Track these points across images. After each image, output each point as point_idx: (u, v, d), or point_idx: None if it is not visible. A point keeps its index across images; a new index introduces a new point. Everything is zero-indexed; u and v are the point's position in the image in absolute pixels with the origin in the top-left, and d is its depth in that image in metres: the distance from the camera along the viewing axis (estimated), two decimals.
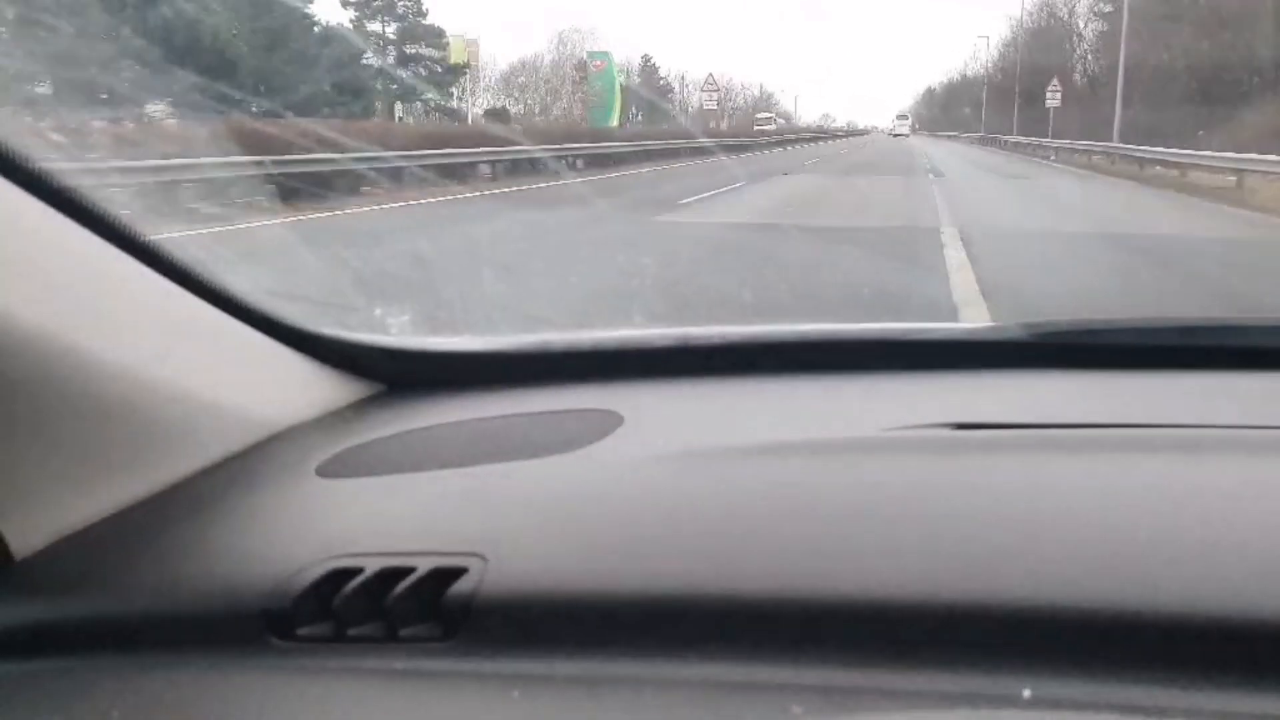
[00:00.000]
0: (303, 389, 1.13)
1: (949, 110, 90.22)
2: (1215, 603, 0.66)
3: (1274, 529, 0.75)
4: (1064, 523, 0.77)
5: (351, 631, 0.77)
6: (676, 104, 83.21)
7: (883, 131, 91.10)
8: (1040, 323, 1.20)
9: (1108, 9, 46.30)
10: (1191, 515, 0.78)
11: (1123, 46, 31.49)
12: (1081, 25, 52.64)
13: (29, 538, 0.85)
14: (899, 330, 1.27)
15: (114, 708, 0.71)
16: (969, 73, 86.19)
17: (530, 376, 1.21)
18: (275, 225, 10.02)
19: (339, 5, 43.67)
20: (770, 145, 42.44)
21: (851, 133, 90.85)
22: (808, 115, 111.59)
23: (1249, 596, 0.66)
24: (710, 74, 76.62)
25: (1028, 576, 0.71)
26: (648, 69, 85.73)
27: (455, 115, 46.60)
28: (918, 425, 0.98)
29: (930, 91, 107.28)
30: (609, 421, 1.04)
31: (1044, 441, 0.95)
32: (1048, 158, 34.40)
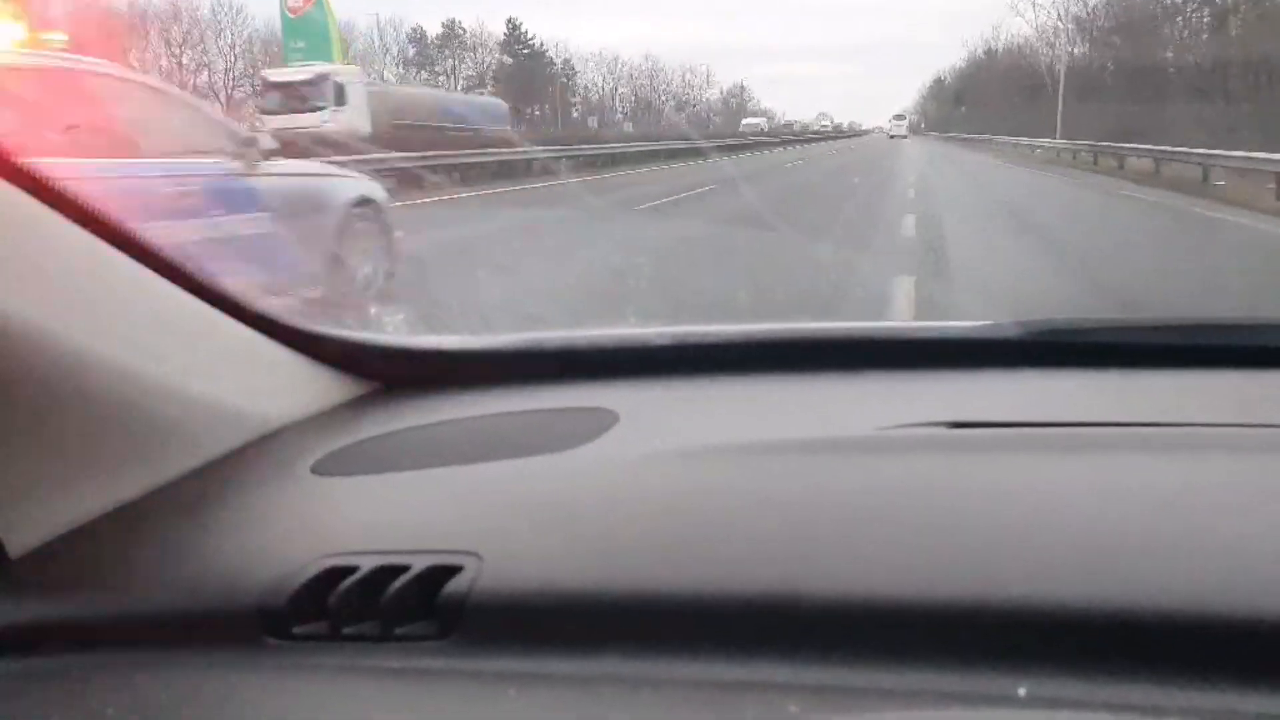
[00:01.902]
0: (298, 387, 1.13)
1: (966, 103, 68.76)
2: (1211, 601, 0.66)
3: (1269, 528, 0.75)
4: (1060, 521, 0.77)
5: (347, 630, 0.77)
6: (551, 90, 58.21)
7: (884, 132, 78.12)
8: (1036, 321, 1.20)
9: None
10: (1188, 514, 0.78)
11: None
12: None
13: (25, 536, 0.85)
14: (895, 329, 1.28)
15: (109, 706, 0.71)
16: (997, 44, 61.11)
17: (526, 375, 1.21)
18: None
19: None
20: None
21: (839, 135, 74.76)
22: (797, 112, 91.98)
23: (1245, 595, 0.66)
24: None
25: (1024, 575, 0.71)
26: (514, 38, 62.17)
27: None
28: (914, 424, 0.98)
29: (939, 83, 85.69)
30: (605, 420, 1.04)
31: (1040, 440, 0.95)
32: None
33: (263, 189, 4.53)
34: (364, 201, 5.40)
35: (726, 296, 6.26)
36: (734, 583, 0.74)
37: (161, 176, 4.00)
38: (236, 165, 4.47)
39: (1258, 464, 0.87)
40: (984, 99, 61.40)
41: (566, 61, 67.29)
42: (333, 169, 6.13)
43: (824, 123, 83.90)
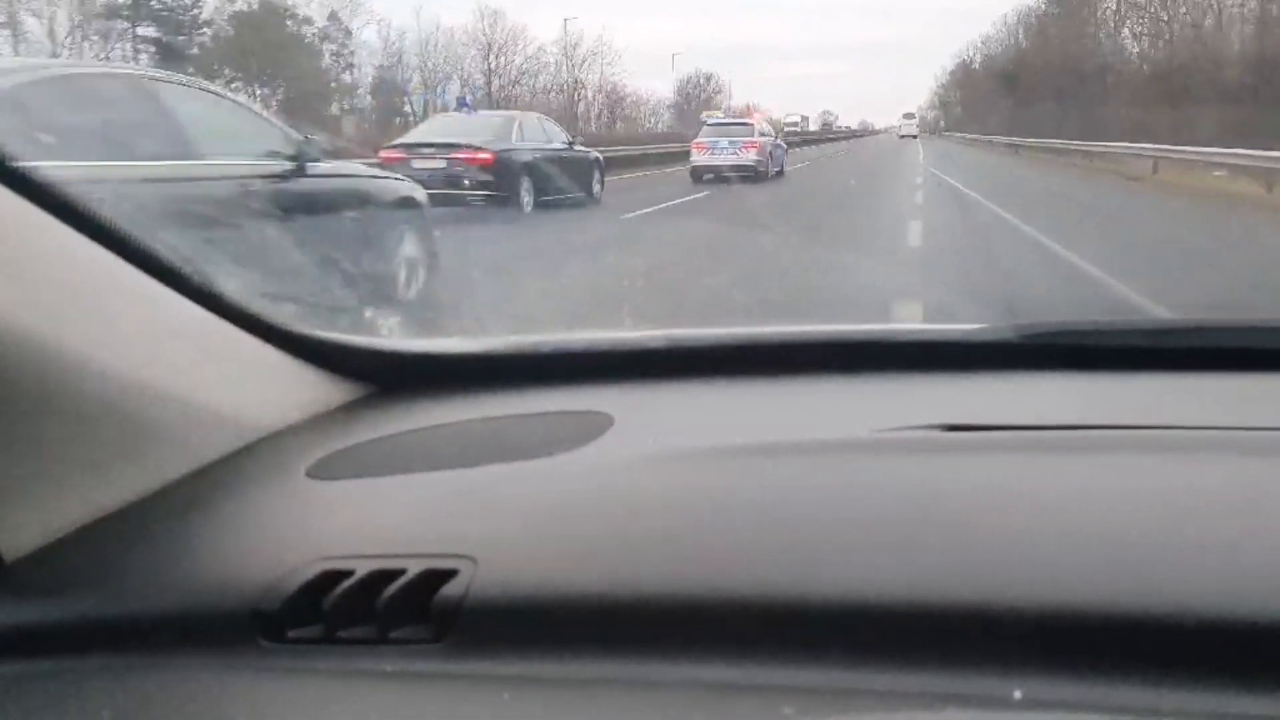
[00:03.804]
0: (293, 391, 1.13)
1: (1015, 92, 45.61)
2: (1205, 604, 0.66)
3: (1263, 530, 0.75)
4: (1054, 524, 0.77)
5: (342, 633, 0.77)
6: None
7: (895, 131, 67.81)
8: (1031, 324, 1.21)
9: None
10: (1181, 516, 0.78)
11: None
12: None
13: (19, 540, 0.85)
14: (890, 331, 1.28)
15: (104, 709, 0.71)
16: None
17: (521, 378, 1.21)
18: None
19: None
20: None
21: (832, 137, 60.54)
22: (787, 109, 71.92)
23: (1238, 597, 0.66)
24: None
25: (1018, 578, 0.71)
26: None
27: None
28: (908, 427, 0.98)
29: (965, 66, 65.35)
30: (599, 423, 1.04)
31: (1035, 443, 0.95)
32: None
33: (779, 142, 23.95)
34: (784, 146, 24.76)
35: None
36: (729, 585, 0.74)
37: (772, 141, 22.55)
38: (775, 138, 23.72)
39: (1251, 467, 0.88)
40: (1044, 81, 37.84)
41: (334, 15, 40.87)
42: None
43: (792, 120, 61.37)
